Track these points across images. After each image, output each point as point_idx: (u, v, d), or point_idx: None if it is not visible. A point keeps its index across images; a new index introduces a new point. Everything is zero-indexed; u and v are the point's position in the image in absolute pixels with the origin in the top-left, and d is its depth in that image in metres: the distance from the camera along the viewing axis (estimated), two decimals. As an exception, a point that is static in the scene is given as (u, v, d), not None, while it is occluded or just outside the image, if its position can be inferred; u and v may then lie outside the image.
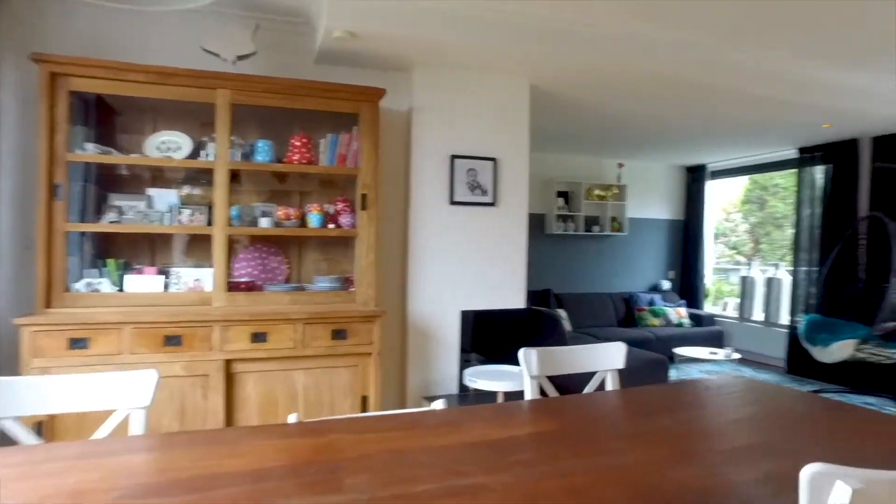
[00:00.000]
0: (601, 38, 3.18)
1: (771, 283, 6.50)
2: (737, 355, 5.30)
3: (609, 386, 1.97)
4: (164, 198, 2.96)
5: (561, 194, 6.80)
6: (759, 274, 6.79)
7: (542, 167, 6.56)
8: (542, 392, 1.85)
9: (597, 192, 6.98)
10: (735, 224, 13.03)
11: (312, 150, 3.06)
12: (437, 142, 3.65)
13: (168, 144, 2.93)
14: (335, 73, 3.48)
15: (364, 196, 3.07)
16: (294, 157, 3.01)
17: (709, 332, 6.48)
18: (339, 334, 2.90)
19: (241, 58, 2.99)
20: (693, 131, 5.47)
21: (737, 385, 1.90)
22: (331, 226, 3.13)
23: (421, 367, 3.66)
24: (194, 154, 2.94)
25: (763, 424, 1.50)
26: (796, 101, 4.24)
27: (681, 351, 5.53)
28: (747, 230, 12.71)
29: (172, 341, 2.63)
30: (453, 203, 3.66)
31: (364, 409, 2.95)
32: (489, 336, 4.05)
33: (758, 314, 6.75)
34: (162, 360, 2.59)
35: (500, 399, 3.19)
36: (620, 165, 7.13)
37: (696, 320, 6.68)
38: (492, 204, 3.76)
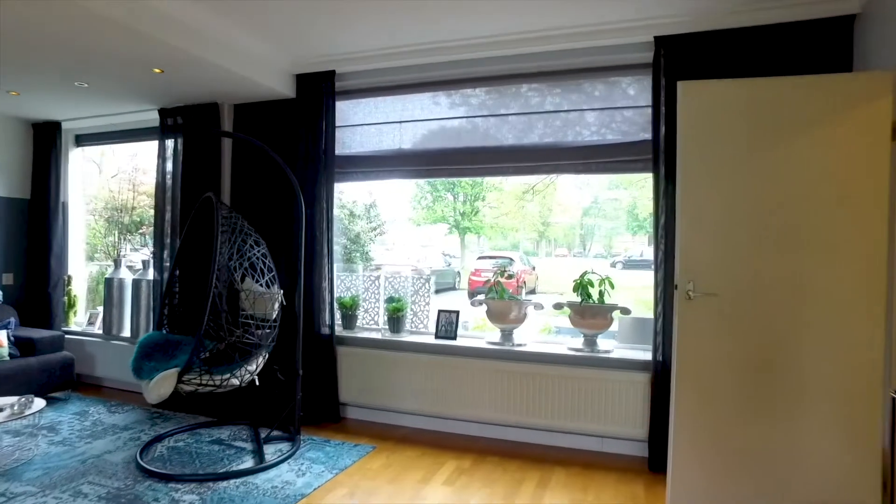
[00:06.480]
0: None
1: (139, 286, 4.91)
2: (64, 394, 3.38)
3: None
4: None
5: None
6: (128, 274, 5.11)
7: None
8: None
9: None
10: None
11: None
12: None
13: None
14: None
15: None
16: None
17: (47, 362, 4.37)
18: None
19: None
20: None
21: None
22: None
23: None
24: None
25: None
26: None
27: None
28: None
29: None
30: None
31: None
32: None
33: (128, 328, 5.07)
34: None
35: None
36: None
37: (29, 349, 4.44)
38: None
